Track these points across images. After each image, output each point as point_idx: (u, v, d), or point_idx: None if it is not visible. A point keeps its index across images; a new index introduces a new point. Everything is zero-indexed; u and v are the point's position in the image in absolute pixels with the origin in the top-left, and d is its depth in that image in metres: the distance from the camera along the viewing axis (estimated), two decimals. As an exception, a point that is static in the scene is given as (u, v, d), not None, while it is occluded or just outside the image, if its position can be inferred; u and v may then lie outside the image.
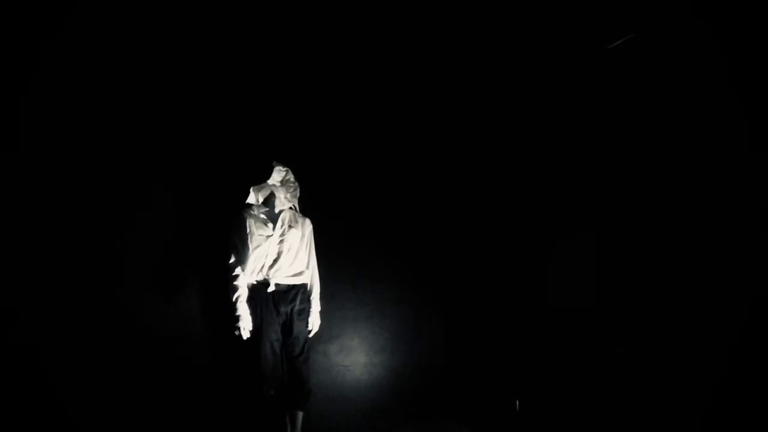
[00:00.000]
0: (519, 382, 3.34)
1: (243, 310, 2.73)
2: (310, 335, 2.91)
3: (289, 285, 2.83)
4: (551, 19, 3.11)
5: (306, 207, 3.05)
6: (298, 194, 2.96)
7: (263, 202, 2.87)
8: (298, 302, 2.83)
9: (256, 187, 2.84)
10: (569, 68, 3.19)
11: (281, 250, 2.82)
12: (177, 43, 3.07)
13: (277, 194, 2.86)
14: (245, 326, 2.71)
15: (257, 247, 2.76)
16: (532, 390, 3.25)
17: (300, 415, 2.79)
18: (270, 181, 2.86)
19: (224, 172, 3.11)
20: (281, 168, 2.89)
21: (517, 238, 3.52)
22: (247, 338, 2.75)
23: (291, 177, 2.93)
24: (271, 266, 2.80)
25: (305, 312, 2.88)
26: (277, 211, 2.86)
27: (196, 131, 3.11)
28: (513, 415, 3.27)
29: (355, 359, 3.44)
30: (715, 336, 2.41)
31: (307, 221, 3.00)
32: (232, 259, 2.80)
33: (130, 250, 2.86)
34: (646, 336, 2.70)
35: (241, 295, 2.76)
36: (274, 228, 2.82)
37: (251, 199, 2.83)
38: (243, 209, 2.86)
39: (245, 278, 2.78)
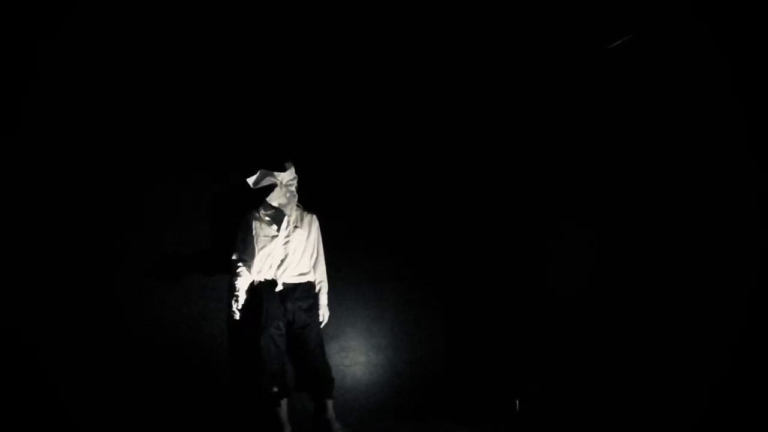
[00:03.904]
0: (519, 381, 3.34)
1: (241, 291, 2.79)
2: (321, 326, 2.97)
3: (295, 283, 2.88)
4: (551, 19, 3.10)
5: (307, 206, 3.07)
6: (294, 202, 2.97)
7: (270, 201, 2.90)
8: (305, 298, 2.89)
9: (264, 171, 2.87)
10: (569, 68, 3.19)
11: (287, 251, 2.88)
12: (180, 41, 3.06)
13: (278, 190, 2.90)
14: (239, 307, 2.78)
15: (262, 248, 2.83)
16: (532, 389, 3.26)
17: (329, 403, 2.82)
18: (279, 176, 2.89)
19: (225, 172, 3.12)
20: (293, 171, 2.94)
21: (517, 238, 3.52)
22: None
23: (294, 186, 2.95)
24: (279, 266, 2.85)
25: (313, 306, 2.93)
26: (275, 204, 2.90)
27: (197, 131, 3.11)
28: (513, 415, 3.27)
29: (355, 359, 3.44)
30: (715, 335, 2.42)
31: (314, 218, 3.06)
32: (235, 257, 2.87)
33: (130, 250, 2.85)
34: (647, 335, 2.70)
35: (242, 279, 2.81)
36: (278, 229, 2.85)
37: (251, 179, 2.86)
38: (250, 211, 2.92)
39: (248, 273, 2.83)
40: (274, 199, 2.90)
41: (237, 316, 2.79)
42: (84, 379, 2.65)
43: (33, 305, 2.59)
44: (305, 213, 3.03)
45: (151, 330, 2.85)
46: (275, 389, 2.76)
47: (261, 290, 2.84)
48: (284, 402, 2.80)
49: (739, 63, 2.37)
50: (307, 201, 3.08)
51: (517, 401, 3.29)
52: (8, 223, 2.57)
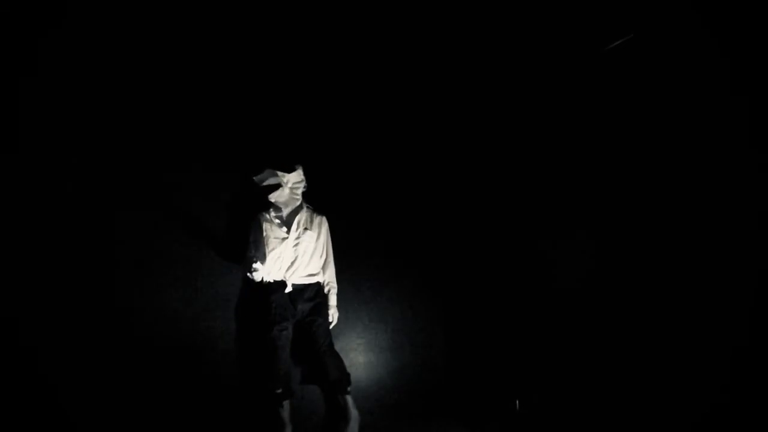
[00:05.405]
0: (519, 381, 3.34)
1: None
2: (331, 326, 2.98)
3: (305, 284, 2.90)
4: (551, 19, 3.11)
5: (315, 207, 3.10)
6: (295, 204, 2.98)
7: (271, 199, 2.91)
8: (314, 299, 2.90)
9: (271, 170, 2.88)
10: (568, 69, 3.19)
11: (297, 253, 2.89)
12: (194, 40, 3.07)
13: (282, 190, 2.91)
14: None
15: (272, 249, 2.83)
16: (532, 390, 3.26)
17: (347, 398, 2.79)
18: (284, 177, 2.90)
19: (228, 172, 3.12)
20: (301, 174, 2.96)
21: (517, 239, 3.52)
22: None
23: (300, 189, 2.97)
24: (288, 268, 2.87)
25: (322, 306, 2.94)
26: (273, 200, 2.91)
27: (199, 131, 3.11)
28: (513, 415, 3.27)
29: (355, 359, 3.44)
30: (715, 335, 2.42)
31: (323, 219, 3.07)
32: (250, 253, 2.87)
33: (131, 250, 2.85)
34: (647, 337, 2.70)
35: (257, 271, 2.81)
36: (288, 231, 2.86)
37: (258, 177, 2.87)
38: (260, 212, 2.94)
39: (263, 267, 2.83)
40: (277, 196, 2.91)
41: (257, 271, 2.79)
42: (84, 379, 2.65)
43: (33, 305, 2.58)
44: (315, 215, 3.05)
45: (151, 330, 2.85)
46: (279, 390, 2.76)
47: (270, 291, 2.84)
48: (287, 403, 2.80)
49: (739, 63, 2.37)
50: (309, 202, 3.08)
51: (517, 401, 3.29)
52: (8, 223, 2.57)
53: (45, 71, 2.73)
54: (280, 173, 2.90)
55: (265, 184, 2.89)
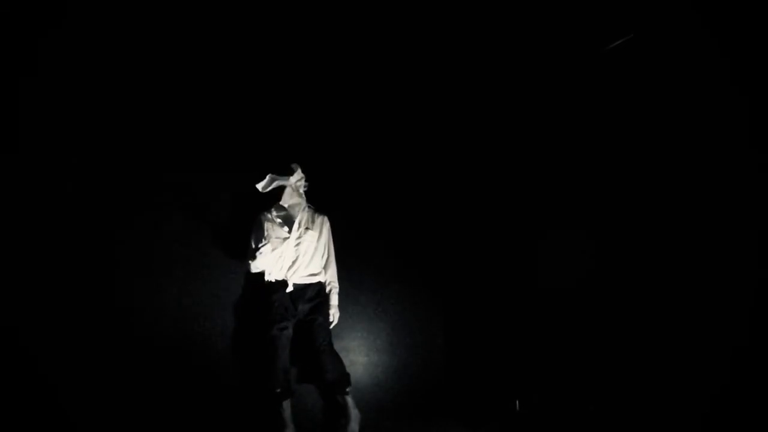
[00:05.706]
0: (519, 381, 3.34)
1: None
2: (331, 326, 2.98)
3: (306, 284, 2.90)
4: (551, 19, 3.11)
5: (317, 207, 3.12)
6: (303, 202, 3.00)
7: (283, 204, 2.92)
8: (315, 298, 2.91)
9: (273, 176, 2.87)
10: (566, 69, 3.19)
11: (298, 253, 2.90)
12: (187, 40, 3.07)
13: (289, 192, 2.92)
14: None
15: (273, 249, 2.84)
16: (532, 390, 3.25)
17: (347, 398, 2.80)
18: (289, 179, 2.92)
19: (227, 173, 3.12)
20: (300, 172, 2.98)
21: (517, 239, 3.52)
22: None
23: (302, 187, 2.99)
24: (289, 268, 2.88)
25: (323, 305, 2.95)
26: (286, 205, 2.91)
27: (200, 131, 3.11)
28: (513, 415, 3.27)
29: (355, 359, 3.44)
30: (715, 335, 2.41)
31: (325, 219, 3.08)
32: (253, 246, 2.86)
33: (132, 250, 2.85)
34: (647, 336, 2.70)
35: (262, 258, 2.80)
36: (290, 231, 2.86)
37: (261, 185, 2.85)
38: (262, 212, 2.94)
39: (269, 252, 2.83)
40: (287, 200, 2.92)
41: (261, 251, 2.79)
42: (84, 379, 2.65)
43: (33, 305, 2.58)
44: (317, 214, 3.06)
45: (151, 330, 2.84)
46: (279, 390, 2.76)
47: (271, 291, 2.84)
48: (287, 402, 2.80)
49: (739, 63, 2.37)
50: (310, 202, 3.09)
51: (517, 402, 3.29)
52: (8, 223, 2.57)
53: (45, 71, 2.73)
54: (282, 177, 2.90)
55: (269, 189, 2.88)
